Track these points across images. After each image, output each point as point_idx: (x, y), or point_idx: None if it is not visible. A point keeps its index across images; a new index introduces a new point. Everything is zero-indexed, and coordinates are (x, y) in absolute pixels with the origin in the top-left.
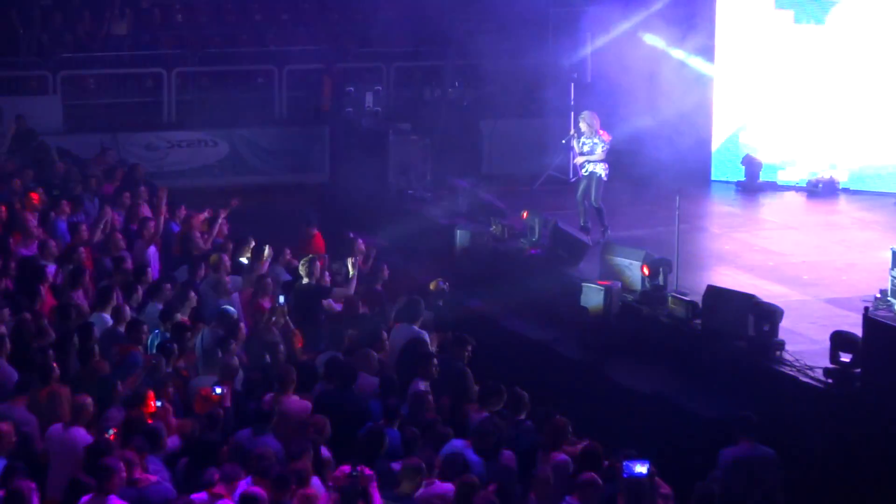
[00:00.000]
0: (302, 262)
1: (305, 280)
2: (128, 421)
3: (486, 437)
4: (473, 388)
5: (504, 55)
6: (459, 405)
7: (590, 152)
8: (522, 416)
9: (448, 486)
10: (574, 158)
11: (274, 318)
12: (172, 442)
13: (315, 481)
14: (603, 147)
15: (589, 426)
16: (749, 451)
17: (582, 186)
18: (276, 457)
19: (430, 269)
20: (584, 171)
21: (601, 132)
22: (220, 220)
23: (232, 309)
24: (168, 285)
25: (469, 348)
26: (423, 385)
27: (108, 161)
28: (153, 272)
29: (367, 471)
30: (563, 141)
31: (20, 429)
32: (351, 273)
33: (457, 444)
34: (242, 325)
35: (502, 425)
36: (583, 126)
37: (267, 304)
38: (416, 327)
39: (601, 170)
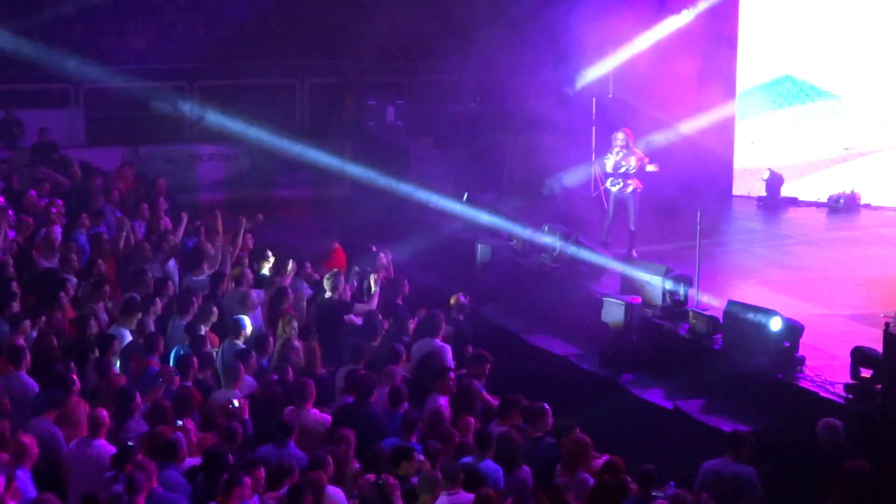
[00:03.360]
0: (326, 276)
1: (329, 294)
2: (150, 435)
3: (505, 450)
4: (476, 404)
5: (526, 70)
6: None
7: (625, 171)
8: (544, 432)
9: (471, 497)
10: (604, 175)
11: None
12: (194, 460)
13: (336, 493)
14: (637, 166)
15: (609, 441)
16: (726, 466)
17: (612, 206)
18: (296, 469)
19: (450, 284)
20: (615, 188)
21: (636, 151)
22: (241, 233)
23: (244, 319)
24: (193, 299)
25: (487, 367)
26: (441, 400)
27: (130, 174)
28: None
29: (392, 480)
30: (594, 160)
31: (46, 443)
32: (373, 289)
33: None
34: (272, 339)
35: (521, 440)
36: (618, 143)
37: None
38: (437, 341)
39: (631, 189)
